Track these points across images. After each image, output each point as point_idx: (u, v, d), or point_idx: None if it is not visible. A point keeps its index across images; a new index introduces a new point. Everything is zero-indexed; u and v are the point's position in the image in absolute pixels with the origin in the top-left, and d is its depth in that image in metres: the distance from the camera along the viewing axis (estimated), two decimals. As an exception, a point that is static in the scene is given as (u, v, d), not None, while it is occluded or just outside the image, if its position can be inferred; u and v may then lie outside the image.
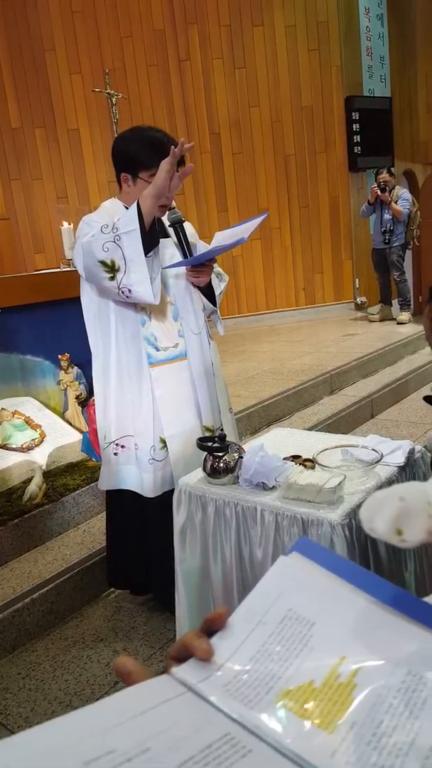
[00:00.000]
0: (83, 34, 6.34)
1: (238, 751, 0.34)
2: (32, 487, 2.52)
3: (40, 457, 2.76)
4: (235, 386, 4.10)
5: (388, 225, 6.16)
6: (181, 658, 0.42)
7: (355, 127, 7.05)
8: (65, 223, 3.58)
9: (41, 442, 2.84)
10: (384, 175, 6.13)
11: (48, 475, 2.69)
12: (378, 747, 0.34)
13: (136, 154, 1.83)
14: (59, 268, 3.71)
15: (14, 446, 2.73)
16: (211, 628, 0.44)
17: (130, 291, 1.74)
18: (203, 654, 0.41)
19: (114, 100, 5.29)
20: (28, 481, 2.57)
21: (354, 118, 7.02)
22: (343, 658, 0.40)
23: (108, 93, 5.29)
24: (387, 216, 6.15)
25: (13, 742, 0.33)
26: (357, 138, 7.08)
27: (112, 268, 1.73)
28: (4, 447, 2.70)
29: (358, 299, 7.35)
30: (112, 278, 1.74)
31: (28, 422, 2.89)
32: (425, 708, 0.37)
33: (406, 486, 0.97)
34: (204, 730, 0.35)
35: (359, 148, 7.10)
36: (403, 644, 0.42)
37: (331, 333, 6.09)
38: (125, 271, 1.72)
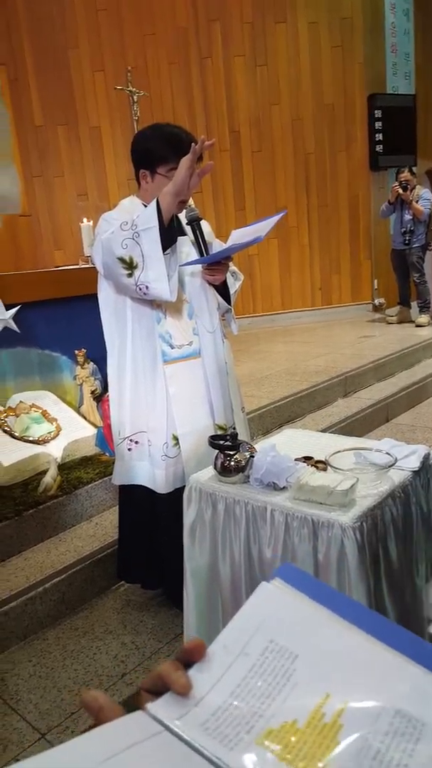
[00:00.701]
0: (107, 32, 6.37)
1: None
2: (47, 479, 2.55)
3: (56, 449, 2.80)
4: (248, 386, 4.11)
5: (409, 225, 6.11)
6: (157, 690, 0.40)
7: (378, 125, 6.99)
8: (85, 220, 3.62)
9: (57, 435, 2.88)
10: (405, 174, 6.08)
11: (62, 467, 2.73)
12: None
13: (154, 149, 1.85)
14: (78, 264, 3.75)
15: (31, 438, 2.78)
16: (189, 659, 0.41)
17: (147, 288, 1.76)
18: (181, 689, 0.38)
19: (135, 97, 5.32)
20: (44, 472, 2.61)
21: (376, 116, 6.97)
22: (328, 695, 0.38)
23: (130, 91, 5.31)
24: (407, 216, 6.11)
25: None
26: (379, 136, 7.02)
27: (130, 265, 1.75)
28: (22, 439, 2.75)
29: (376, 300, 7.30)
30: (130, 275, 1.76)
31: (45, 415, 2.94)
32: (414, 756, 0.35)
33: None
34: None
35: (381, 146, 7.04)
36: (391, 681, 0.39)
37: (347, 334, 6.07)
38: (143, 268, 1.74)
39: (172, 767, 0.34)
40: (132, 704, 0.40)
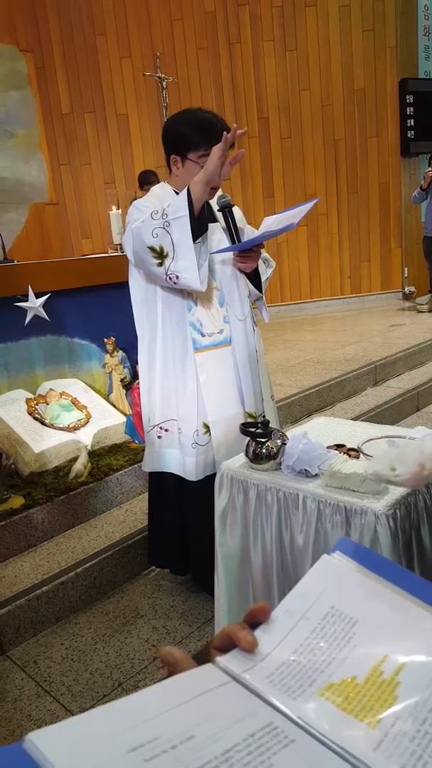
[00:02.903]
0: (134, 18, 6.35)
1: (281, 740, 0.34)
2: (78, 466, 2.58)
3: (86, 437, 2.82)
4: (276, 375, 4.08)
5: (441, 212, 5.99)
6: (224, 648, 0.42)
7: (409, 110, 6.85)
8: (114, 208, 3.62)
9: (87, 422, 2.90)
10: (438, 160, 5.95)
11: (92, 455, 2.75)
12: (422, 743, 0.34)
13: (186, 134, 1.83)
14: (106, 253, 3.76)
15: (61, 426, 2.81)
16: (254, 620, 0.44)
17: (177, 277, 1.76)
18: (248, 645, 0.41)
19: (164, 83, 5.29)
20: (74, 459, 2.64)
21: (408, 101, 6.82)
22: (386, 656, 0.41)
23: (159, 77, 5.29)
24: (439, 203, 5.98)
25: (58, 729, 0.33)
26: (410, 122, 6.88)
27: (160, 254, 1.74)
28: (52, 426, 2.78)
29: (406, 289, 7.18)
30: (160, 264, 1.75)
31: (75, 403, 2.96)
32: None
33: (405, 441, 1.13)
34: (247, 719, 0.35)
35: (412, 132, 6.90)
36: None
37: (377, 323, 5.98)
38: (173, 258, 1.73)
39: (238, 714, 0.36)
40: (203, 660, 0.42)
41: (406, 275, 7.21)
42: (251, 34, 6.56)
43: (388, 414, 3.81)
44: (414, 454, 1.08)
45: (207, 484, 1.84)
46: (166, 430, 2.01)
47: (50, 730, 0.33)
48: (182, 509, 2.08)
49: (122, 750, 0.32)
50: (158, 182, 5.65)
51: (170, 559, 2.20)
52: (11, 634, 2.03)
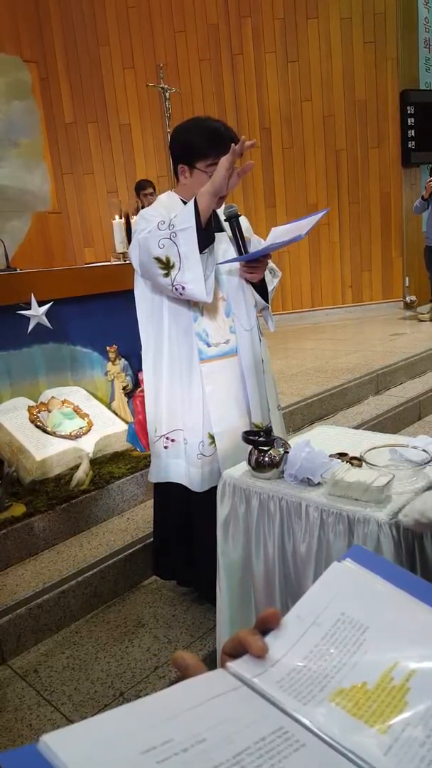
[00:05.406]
0: (137, 29, 6.41)
1: (291, 744, 0.34)
2: (80, 474, 2.58)
3: (87, 445, 2.82)
4: (278, 383, 4.03)
5: (442, 222, 6.01)
6: (236, 653, 0.43)
7: (410, 121, 6.91)
8: (117, 217, 3.64)
9: (89, 430, 2.90)
10: (439, 171, 5.99)
11: (94, 462, 2.75)
12: None
13: (194, 143, 1.82)
14: (109, 261, 3.77)
15: (63, 434, 2.81)
16: (265, 626, 0.45)
17: (183, 288, 1.75)
18: (258, 651, 0.42)
19: (167, 94, 5.33)
20: (76, 467, 2.64)
21: (409, 112, 6.88)
22: (397, 662, 0.41)
23: (162, 87, 5.34)
24: (441, 213, 6.01)
25: (72, 731, 0.33)
26: (411, 133, 6.93)
27: (167, 265, 1.74)
28: (54, 434, 2.78)
29: (407, 298, 7.20)
30: (167, 275, 1.75)
31: (77, 411, 2.96)
32: None
33: None
34: (258, 723, 0.36)
35: (413, 143, 6.95)
36: None
37: (378, 332, 6.00)
38: (180, 269, 1.73)
39: (249, 718, 0.36)
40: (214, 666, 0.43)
41: (407, 284, 7.23)
42: (253, 46, 6.62)
43: (390, 423, 3.81)
44: None
45: (213, 494, 1.83)
46: (172, 440, 1.99)
47: (64, 732, 0.33)
48: (188, 520, 2.06)
49: (135, 752, 0.32)
50: (153, 188, 5.64)
51: (176, 570, 2.18)
52: (12, 643, 2.02)
